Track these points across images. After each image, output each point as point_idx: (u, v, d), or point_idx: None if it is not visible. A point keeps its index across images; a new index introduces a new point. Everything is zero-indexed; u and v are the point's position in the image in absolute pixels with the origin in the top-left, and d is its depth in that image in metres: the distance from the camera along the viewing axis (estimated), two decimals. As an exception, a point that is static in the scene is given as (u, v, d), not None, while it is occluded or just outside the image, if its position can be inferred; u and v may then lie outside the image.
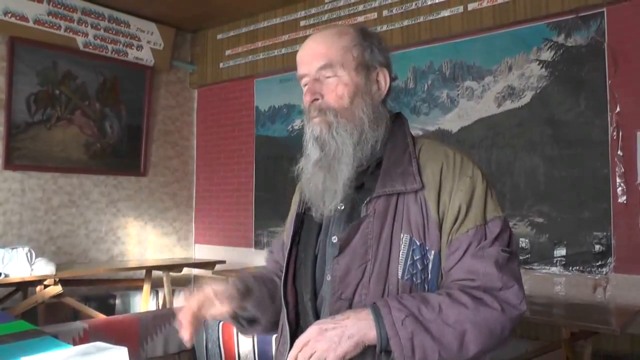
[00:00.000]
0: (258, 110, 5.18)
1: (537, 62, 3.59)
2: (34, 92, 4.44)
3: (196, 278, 5.49)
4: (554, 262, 3.46)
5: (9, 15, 4.24)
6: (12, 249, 3.63)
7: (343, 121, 1.10)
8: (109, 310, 4.64)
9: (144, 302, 4.47)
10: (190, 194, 5.66)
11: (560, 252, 3.44)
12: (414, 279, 1.04)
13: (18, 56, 4.34)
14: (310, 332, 0.96)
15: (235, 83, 5.34)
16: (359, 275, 1.05)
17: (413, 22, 4.08)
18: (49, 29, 4.45)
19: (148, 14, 5.00)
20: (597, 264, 3.30)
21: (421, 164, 1.10)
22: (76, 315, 4.16)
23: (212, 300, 1.13)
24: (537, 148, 3.56)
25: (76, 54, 4.66)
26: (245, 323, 1.24)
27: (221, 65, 5.36)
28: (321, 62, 1.11)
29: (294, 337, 1.08)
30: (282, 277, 1.17)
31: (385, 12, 4.23)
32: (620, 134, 3.25)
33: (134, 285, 4.74)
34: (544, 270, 3.49)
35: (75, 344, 2.10)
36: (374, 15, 4.29)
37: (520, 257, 3.53)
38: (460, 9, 3.84)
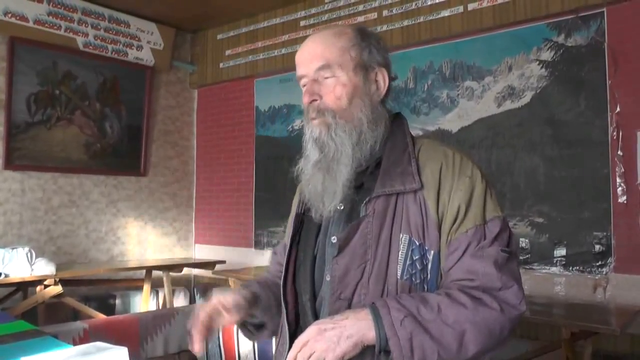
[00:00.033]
0: (258, 110, 5.18)
1: (537, 62, 3.59)
2: (34, 92, 4.44)
3: (196, 278, 5.50)
4: (554, 262, 3.46)
5: (9, 15, 4.24)
6: (12, 249, 3.63)
7: (342, 122, 1.10)
8: (109, 310, 4.63)
9: (144, 302, 4.47)
10: (190, 194, 5.66)
11: (560, 252, 3.44)
12: (413, 279, 1.04)
13: (18, 56, 4.34)
14: (309, 332, 0.96)
15: (235, 83, 5.34)
16: (358, 275, 1.05)
17: (413, 22, 4.08)
18: (49, 29, 4.45)
19: (148, 14, 5.00)
20: (597, 264, 3.30)
21: (420, 164, 1.10)
22: (76, 315, 4.16)
23: (221, 311, 1.13)
24: (537, 148, 3.56)
25: (76, 54, 4.66)
26: (254, 329, 1.25)
27: (221, 65, 5.36)
28: (319, 63, 1.11)
29: (293, 337, 1.08)
30: (282, 277, 1.18)
31: (385, 12, 4.23)
32: (620, 134, 3.25)
33: (134, 285, 4.74)
34: (544, 270, 3.49)
35: (75, 344, 2.10)
36: (374, 15, 4.29)
37: (521, 257, 3.53)
38: (460, 9, 3.84)
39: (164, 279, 4.46)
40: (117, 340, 1.43)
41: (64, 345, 1.49)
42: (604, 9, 3.34)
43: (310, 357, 0.94)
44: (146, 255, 5.22)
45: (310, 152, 1.13)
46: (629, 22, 3.26)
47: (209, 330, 1.12)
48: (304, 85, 1.15)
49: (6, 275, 3.51)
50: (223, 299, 1.14)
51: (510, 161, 3.67)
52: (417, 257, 1.04)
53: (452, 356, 0.96)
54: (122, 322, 3.01)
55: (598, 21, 3.36)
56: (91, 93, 4.81)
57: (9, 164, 4.31)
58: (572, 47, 3.46)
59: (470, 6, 3.79)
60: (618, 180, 3.25)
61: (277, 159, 4.96)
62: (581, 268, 3.36)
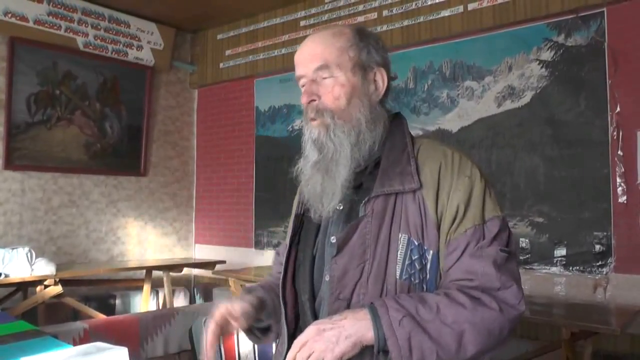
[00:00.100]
0: (258, 110, 5.18)
1: (537, 62, 3.58)
2: (34, 92, 4.44)
3: (196, 278, 5.50)
4: (554, 262, 3.46)
5: (9, 15, 4.24)
6: (13, 249, 3.63)
7: (340, 122, 1.10)
8: (109, 310, 4.64)
9: (144, 302, 4.47)
10: (190, 194, 5.66)
11: (561, 252, 3.44)
12: (412, 278, 1.04)
13: (18, 56, 4.34)
14: (308, 333, 0.96)
15: (235, 83, 5.34)
16: (356, 275, 1.05)
17: (413, 22, 4.08)
18: (49, 29, 4.46)
19: (148, 14, 5.00)
20: (598, 264, 3.30)
21: (419, 164, 1.09)
22: (76, 315, 4.16)
23: (230, 321, 1.15)
24: (537, 148, 3.56)
25: (76, 54, 4.66)
26: (259, 333, 1.26)
27: (221, 65, 5.36)
28: (317, 63, 1.11)
29: (292, 337, 1.08)
30: (281, 277, 1.18)
31: (385, 12, 4.23)
32: (620, 134, 3.25)
33: (134, 286, 4.75)
34: (544, 270, 3.49)
35: (75, 344, 2.10)
36: (374, 15, 4.29)
37: (521, 257, 3.53)
38: (460, 9, 3.84)
39: (164, 279, 4.47)
40: (117, 341, 1.43)
41: (64, 345, 1.49)
42: (604, 9, 3.34)
43: (309, 357, 0.94)
44: (146, 255, 5.22)
45: (310, 153, 1.13)
46: (629, 22, 3.26)
47: (219, 338, 1.14)
48: (303, 86, 1.15)
49: (6, 276, 3.51)
50: (231, 308, 1.15)
51: (510, 161, 3.67)
52: (416, 257, 1.04)
53: (451, 356, 0.96)
54: (122, 322, 3.01)
55: (598, 21, 3.36)
56: (91, 93, 4.81)
57: (9, 164, 4.32)
58: (572, 47, 3.46)
59: (470, 6, 3.79)
60: (618, 180, 3.25)
61: (277, 159, 4.96)
62: (581, 268, 3.36)
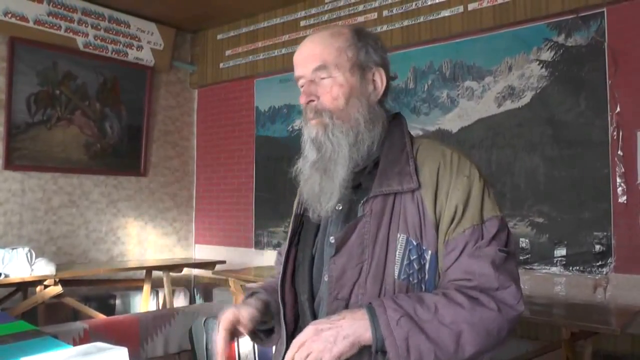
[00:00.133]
0: (258, 111, 5.18)
1: (537, 62, 3.58)
2: (34, 93, 4.44)
3: (196, 278, 5.50)
4: (554, 262, 3.46)
5: (9, 15, 4.24)
6: (12, 249, 3.63)
7: (339, 122, 1.10)
8: (109, 310, 4.64)
9: (144, 302, 4.47)
10: (190, 194, 5.66)
11: (561, 252, 3.44)
12: (411, 279, 1.04)
13: (18, 56, 4.34)
14: (307, 333, 0.97)
15: (235, 83, 5.34)
16: (355, 275, 1.05)
17: (413, 22, 4.08)
18: (49, 29, 4.46)
19: (148, 14, 5.00)
20: (598, 264, 3.30)
21: (418, 164, 1.09)
22: (76, 315, 4.16)
23: (237, 327, 1.16)
24: (537, 148, 3.56)
25: (76, 54, 4.66)
26: (264, 336, 1.26)
27: (221, 65, 5.36)
28: (316, 64, 1.11)
29: (292, 337, 1.08)
30: (280, 277, 1.18)
31: (385, 12, 4.23)
32: (620, 134, 3.25)
33: (134, 286, 4.75)
34: (544, 270, 3.49)
35: (75, 344, 2.10)
36: (374, 15, 4.29)
37: (521, 257, 3.53)
38: (460, 9, 3.84)
39: (164, 279, 4.47)
40: (117, 341, 1.43)
41: (64, 345, 1.49)
42: (604, 9, 3.34)
43: (307, 357, 0.94)
44: (146, 256, 5.22)
45: (309, 153, 1.13)
46: (629, 22, 3.26)
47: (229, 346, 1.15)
48: (302, 86, 1.15)
49: (6, 276, 3.51)
50: (239, 314, 1.16)
51: (510, 161, 3.67)
52: (414, 257, 1.04)
53: (449, 356, 0.95)
54: (122, 322, 3.02)
55: (598, 21, 3.36)
56: (91, 93, 4.81)
57: (9, 164, 4.32)
58: (572, 47, 3.46)
59: (470, 6, 3.79)
60: (618, 180, 3.25)
61: (277, 159, 4.96)
62: (581, 268, 3.35)
